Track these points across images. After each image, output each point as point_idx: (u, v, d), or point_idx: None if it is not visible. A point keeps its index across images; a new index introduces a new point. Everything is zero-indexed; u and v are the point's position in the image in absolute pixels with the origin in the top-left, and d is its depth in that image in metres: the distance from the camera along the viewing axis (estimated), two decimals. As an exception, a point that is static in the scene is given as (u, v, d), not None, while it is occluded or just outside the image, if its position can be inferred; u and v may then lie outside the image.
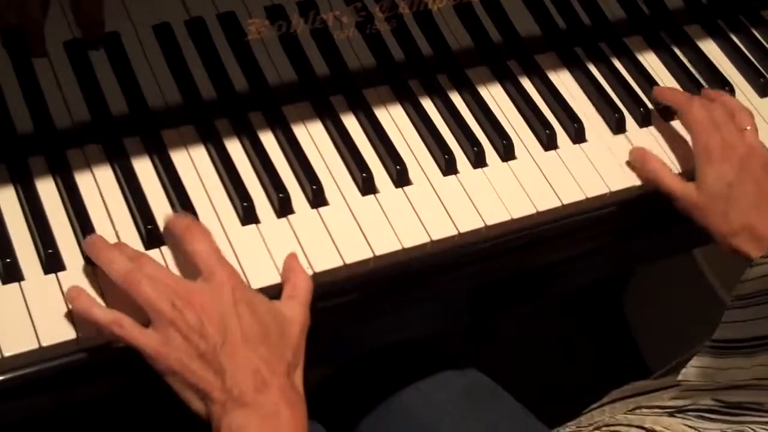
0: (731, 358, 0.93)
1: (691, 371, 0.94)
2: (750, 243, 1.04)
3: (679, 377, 0.95)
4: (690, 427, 0.81)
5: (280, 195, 1.00)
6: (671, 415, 0.86)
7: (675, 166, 1.13)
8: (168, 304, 0.84)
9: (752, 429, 0.76)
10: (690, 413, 0.85)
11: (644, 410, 0.90)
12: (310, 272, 0.96)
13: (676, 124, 1.16)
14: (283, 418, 0.83)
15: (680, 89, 1.19)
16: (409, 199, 1.04)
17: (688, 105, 1.11)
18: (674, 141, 1.15)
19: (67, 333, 0.88)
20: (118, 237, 0.95)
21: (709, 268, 1.75)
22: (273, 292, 0.92)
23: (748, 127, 1.10)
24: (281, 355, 0.86)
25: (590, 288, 1.99)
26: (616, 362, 1.97)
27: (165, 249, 0.95)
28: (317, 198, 1.01)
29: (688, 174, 1.11)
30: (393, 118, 1.10)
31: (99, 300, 0.89)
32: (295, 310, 0.90)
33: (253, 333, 0.85)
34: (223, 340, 0.84)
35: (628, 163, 1.12)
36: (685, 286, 1.85)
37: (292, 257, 0.95)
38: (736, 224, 1.04)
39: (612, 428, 0.84)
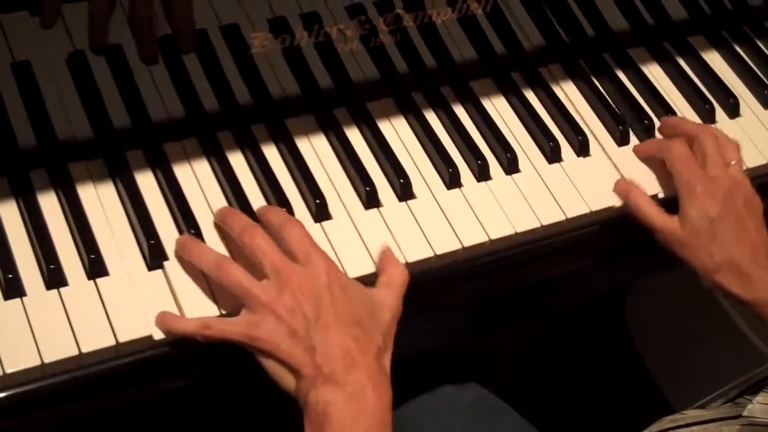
0: None
1: (758, 408, 0.93)
2: (732, 279, 1.04)
3: (745, 413, 0.94)
4: None
5: (283, 209, 0.99)
6: None
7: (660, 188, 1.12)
8: (260, 288, 0.87)
9: None
10: None
11: None
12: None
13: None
14: (368, 399, 0.85)
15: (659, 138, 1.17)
16: (412, 213, 1.04)
17: (667, 145, 1.11)
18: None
19: (70, 349, 0.88)
20: (121, 251, 0.95)
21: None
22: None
23: (733, 162, 1.09)
24: (372, 338, 0.88)
25: (592, 299, 1.98)
26: (619, 373, 1.96)
27: (167, 264, 0.94)
28: (321, 212, 1.01)
29: (670, 200, 1.10)
30: (397, 131, 1.10)
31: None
32: (388, 297, 0.93)
33: (346, 314, 0.87)
34: (316, 319, 0.86)
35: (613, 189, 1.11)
36: (687, 295, 1.84)
37: (387, 249, 0.98)
38: (718, 260, 1.04)
39: None
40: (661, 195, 1.12)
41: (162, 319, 0.91)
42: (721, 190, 1.06)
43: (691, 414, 0.97)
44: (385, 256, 0.97)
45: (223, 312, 0.92)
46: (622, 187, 1.10)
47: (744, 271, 1.03)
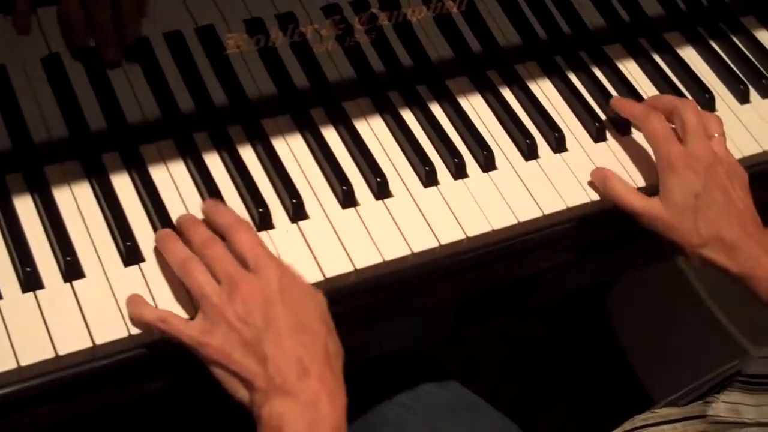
0: (764, 395, 0.92)
1: (722, 407, 0.93)
2: (720, 252, 1.03)
3: (710, 411, 0.94)
4: None
5: (260, 210, 0.99)
6: None
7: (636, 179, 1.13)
8: (216, 292, 0.87)
9: None
10: None
11: None
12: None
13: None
14: (322, 407, 0.84)
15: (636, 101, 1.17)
16: (389, 212, 1.04)
17: (646, 116, 1.10)
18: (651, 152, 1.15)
19: (47, 352, 0.88)
20: (97, 253, 0.95)
21: (693, 273, 1.76)
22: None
23: (716, 135, 1.08)
24: (323, 344, 0.87)
25: (573, 294, 1.99)
26: (601, 369, 1.97)
27: (144, 265, 0.94)
28: (297, 212, 1.01)
29: (650, 189, 1.10)
30: (373, 130, 1.10)
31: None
32: (320, 294, 0.92)
33: (297, 321, 0.86)
34: (267, 328, 0.85)
35: (589, 180, 1.11)
36: (669, 292, 1.85)
37: None
38: (705, 234, 1.03)
39: None
40: (640, 185, 1.12)
41: (130, 301, 0.91)
42: (702, 164, 1.04)
43: (661, 412, 0.97)
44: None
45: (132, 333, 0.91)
46: (599, 174, 1.10)
47: (731, 244, 1.02)
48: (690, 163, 1.05)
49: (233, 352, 0.85)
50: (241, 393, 0.85)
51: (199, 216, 0.97)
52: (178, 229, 0.96)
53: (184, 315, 0.91)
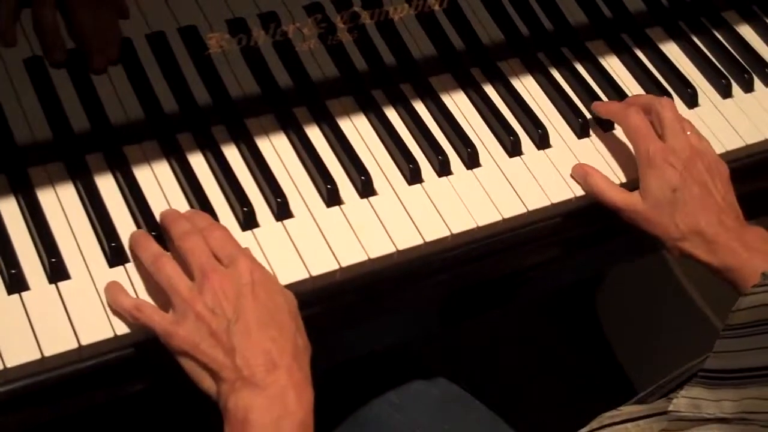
0: (722, 390, 0.92)
1: (682, 402, 0.93)
2: (699, 246, 1.04)
3: (671, 407, 0.94)
4: None
5: (245, 209, 1.00)
6: None
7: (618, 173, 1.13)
8: (186, 284, 0.88)
9: None
10: None
11: None
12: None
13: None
14: (289, 401, 0.84)
15: (617, 100, 1.18)
16: (374, 210, 1.04)
17: (625, 113, 1.11)
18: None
19: (32, 353, 0.88)
20: (82, 254, 0.95)
21: (679, 267, 1.76)
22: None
23: (689, 132, 1.09)
24: (291, 338, 0.87)
25: (562, 290, 1.99)
26: (589, 365, 1.97)
27: (130, 266, 0.94)
28: (282, 211, 1.01)
29: (631, 184, 1.11)
30: (357, 129, 1.10)
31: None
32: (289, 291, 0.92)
33: (266, 315, 0.87)
34: (236, 319, 0.86)
35: (570, 174, 1.12)
36: (656, 289, 1.85)
37: None
38: (684, 228, 1.04)
39: None
40: (623, 180, 1.13)
41: (109, 287, 0.92)
42: (680, 159, 1.06)
43: (627, 410, 0.96)
44: None
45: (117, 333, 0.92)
46: (580, 170, 1.11)
47: (710, 238, 1.03)
48: (668, 157, 1.06)
49: (201, 343, 0.85)
50: (208, 384, 0.86)
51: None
52: (161, 224, 0.96)
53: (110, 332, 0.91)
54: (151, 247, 0.93)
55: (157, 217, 0.98)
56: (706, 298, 1.72)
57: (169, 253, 0.92)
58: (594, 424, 0.97)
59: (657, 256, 1.77)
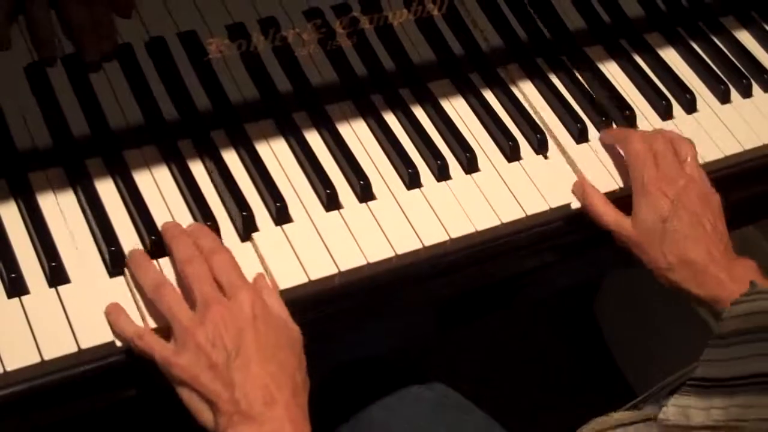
0: (711, 398, 0.92)
1: (671, 410, 0.93)
2: (686, 276, 1.03)
3: (660, 415, 0.94)
4: None
5: (244, 213, 1.00)
6: None
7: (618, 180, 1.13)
8: (187, 314, 0.88)
9: None
10: None
11: None
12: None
13: (637, 132, 1.17)
14: None
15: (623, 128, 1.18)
16: (373, 214, 1.04)
17: (628, 137, 1.11)
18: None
19: (32, 357, 0.88)
20: (81, 259, 0.95)
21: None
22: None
23: (689, 159, 1.09)
24: (291, 375, 0.87)
25: (561, 295, 1.99)
26: (588, 370, 1.97)
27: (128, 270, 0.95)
28: (281, 215, 1.01)
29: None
30: (356, 134, 1.11)
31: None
32: (294, 324, 0.92)
33: (267, 349, 0.87)
34: (237, 354, 0.86)
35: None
36: (655, 293, 1.85)
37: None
38: (671, 258, 1.04)
39: None
40: (621, 186, 1.13)
41: (110, 311, 0.91)
42: (673, 189, 1.05)
43: (618, 416, 0.97)
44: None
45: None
46: (579, 187, 1.11)
47: (699, 269, 1.03)
48: (662, 186, 1.06)
49: (201, 375, 0.85)
50: (206, 416, 0.86)
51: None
52: (163, 236, 0.96)
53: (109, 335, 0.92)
54: (150, 273, 0.93)
55: (157, 222, 0.98)
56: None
57: (169, 282, 0.91)
58: (585, 430, 0.98)
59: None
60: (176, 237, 0.95)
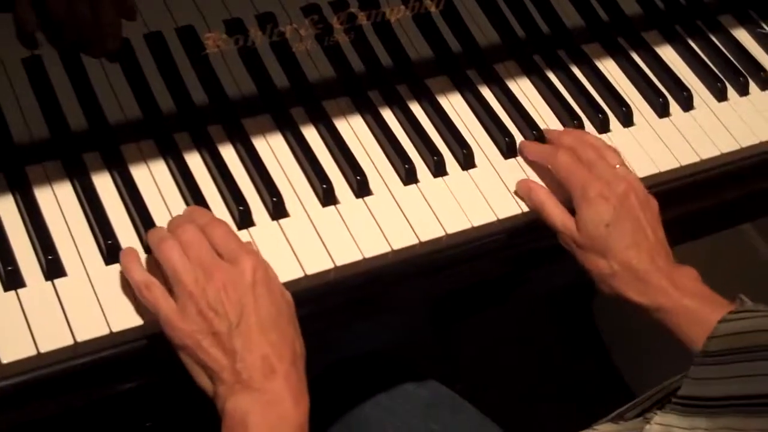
0: (695, 417, 0.91)
1: (655, 428, 0.92)
2: (630, 284, 1.01)
3: None
4: None
5: (240, 208, 1.00)
6: None
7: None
8: (191, 276, 0.88)
9: None
10: None
11: None
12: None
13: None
14: (287, 407, 0.85)
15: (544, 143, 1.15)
16: (369, 210, 1.04)
17: (553, 154, 1.09)
18: (631, 148, 1.16)
19: (29, 349, 0.88)
20: (78, 253, 0.95)
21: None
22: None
23: (618, 165, 1.07)
24: (290, 344, 0.88)
25: (560, 295, 2.00)
26: (587, 370, 1.97)
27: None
28: (278, 210, 1.02)
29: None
30: (353, 129, 1.11)
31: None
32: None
33: (267, 318, 0.87)
34: (238, 322, 0.86)
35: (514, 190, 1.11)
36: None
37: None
38: (614, 265, 1.02)
39: None
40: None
41: (124, 254, 0.92)
42: (614, 193, 1.03)
43: (602, 428, 0.95)
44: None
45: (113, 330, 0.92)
46: (524, 186, 1.09)
47: (641, 276, 1.01)
48: (602, 191, 1.03)
49: (203, 341, 0.86)
50: (205, 381, 0.86)
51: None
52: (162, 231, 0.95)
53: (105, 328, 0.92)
54: (157, 230, 0.93)
55: (153, 216, 0.98)
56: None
57: (173, 237, 0.91)
58: None
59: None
60: (171, 220, 0.95)
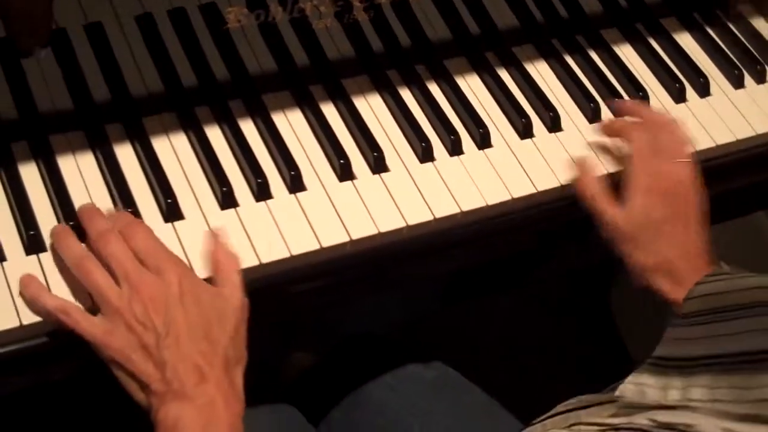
0: (669, 377, 0.92)
1: (628, 387, 0.93)
2: (665, 280, 1.03)
3: (617, 393, 0.94)
4: None
5: (259, 180, 1.02)
6: None
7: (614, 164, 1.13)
8: (116, 292, 0.86)
9: None
10: None
11: (582, 427, 0.88)
12: (287, 255, 0.98)
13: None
14: (218, 409, 0.84)
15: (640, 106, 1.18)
16: (386, 185, 1.06)
17: (630, 131, 1.10)
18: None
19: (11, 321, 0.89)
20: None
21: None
22: (248, 276, 0.94)
23: (686, 160, 1.07)
24: (220, 351, 0.87)
25: (576, 285, 2.00)
26: (603, 361, 1.98)
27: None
28: (296, 183, 1.03)
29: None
30: (371, 107, 1.12)
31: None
32: (232, 296, 0.90)
33: (196, 327, 0.86)
34: (167, 333, 0.85)
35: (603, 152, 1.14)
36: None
37: (211, 243, 0.95)
38: (657, 258, 1.03)
39: None
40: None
41: (27, 284, 0.90)
42: (667, 189, 1.04)
43: (584, 398, 0.94)
44: (213, 252, 0.94)
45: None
46: (578, 168, 1.10)
47: (679, 275, 1.02)
48: (656, 185, 1.05)
49: (132, 354, 0.85)
50: (138, 394, 0.86)
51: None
52: (79, 218, 0.95)
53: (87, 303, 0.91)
54: (73, 247, 0.91)
55: (173, 186, 1.00)
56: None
57: (93, 257, 0.89)
58: (551, 412, 0.97)
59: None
60: (90, 217, 0.93)
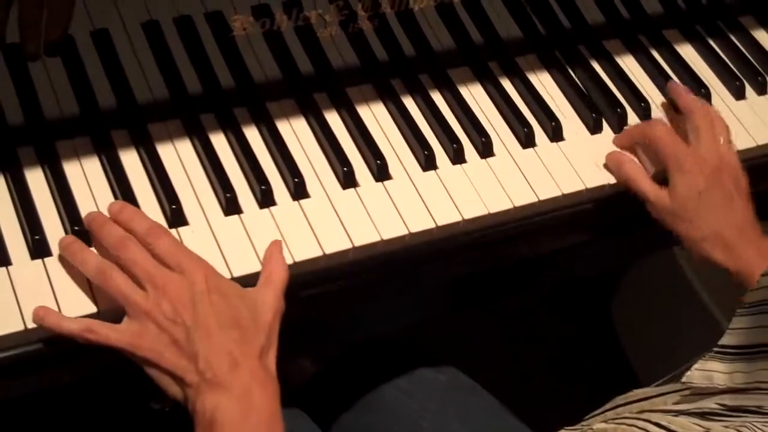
0: (735, 363, 0.94)
1: (695, 374, 0.95)
2: (718, 249, 1.08)
3: (684, 379, 0.96)
4: (697, 425, 0.83)
5: (263, 187, 1.02)
6: (676, 416, 0.88)
7: (648, 167, 1.14)
8: (141, 296, 0.88)
9: (753, 425, 0.79)
10: (693, 416, 0.87)
11: (651, 414, 0.91)
12: (290, 261, 0.98)
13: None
14: (254, 397, 0.85)
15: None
16: (388, 193, 1.07)
17: (649, 126, 1.15)
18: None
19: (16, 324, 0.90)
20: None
21: (693, 274, 1.78)
22: (253, 281, 0.95)
23: (722, 140, 1.12)
24: (253, 338, 0.88)
25: (577, 292, 2.01)
26: (603, 367, 1.98)
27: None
28: (299, 191, 1.04)
29: (660, 175, 1.13)
30: (375, 115, 1.13)
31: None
32: (268, 295, 0.92)
33: (226, 317, 0.88)
34: (196, 326, 0.86)
35: (604, 163, 1.15)
36: (671, 290, 1.87)
37: (274, 245, 0.98)
38: (705, 229, 1.08)
39: (620, 424, 0.87)
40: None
41: (42, 315, 0.90)
42: (709, 166, 1.09)
43: (640, 391, 1.00)
44: (269, 252, 0.97)
45: (101, 309, 0.92)
46: (614, 158, 1.14)
47: (729, 243, 1.07)
48: (697, 163, 1.10)
49: (165, 352, 0.86)
50: (175, 390, 0.87)
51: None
52: (89, 230, 0.95)
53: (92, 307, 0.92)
54: (89, 260, 0.91)
55: (178, 192, 1.01)
56: (718, 303, 1.73)
57: (112, 264, 0.90)
58: (607, 406, 1.00)
59: (670, 260, 1.79)
60: (101, 226, 0.93)
